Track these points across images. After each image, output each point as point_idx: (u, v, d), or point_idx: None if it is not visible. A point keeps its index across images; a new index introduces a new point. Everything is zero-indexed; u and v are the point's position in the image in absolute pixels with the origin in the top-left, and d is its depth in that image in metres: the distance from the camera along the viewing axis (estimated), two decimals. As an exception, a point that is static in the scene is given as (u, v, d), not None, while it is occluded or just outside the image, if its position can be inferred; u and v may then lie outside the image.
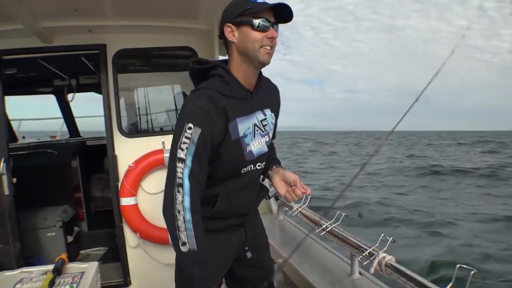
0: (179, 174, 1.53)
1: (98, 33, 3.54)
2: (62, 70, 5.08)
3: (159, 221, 3.34)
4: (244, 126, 1.67)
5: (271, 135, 1.84)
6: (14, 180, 3.33)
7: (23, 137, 6.53)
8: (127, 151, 3.53)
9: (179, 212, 1.52)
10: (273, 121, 1.84)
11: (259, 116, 1.75)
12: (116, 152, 3.52)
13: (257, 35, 1.57)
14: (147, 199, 3.51)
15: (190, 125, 1.53)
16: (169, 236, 1.56)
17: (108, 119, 3.52)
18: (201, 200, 1.62)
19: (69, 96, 5.79)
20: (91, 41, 3.54)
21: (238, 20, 1.59)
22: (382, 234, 2.07)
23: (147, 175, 3.50)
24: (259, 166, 1.80)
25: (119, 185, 3.48)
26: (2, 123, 3.35)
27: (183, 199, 1.52)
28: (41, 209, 4.30)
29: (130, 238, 3.49)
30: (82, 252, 4.74)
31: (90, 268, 2.66)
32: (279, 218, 3.73)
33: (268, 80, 1.88)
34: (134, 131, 3.82)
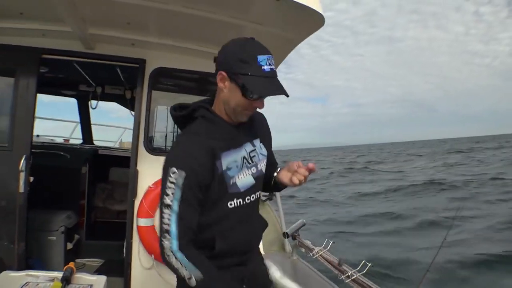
0: (165, 221, 1.57)
1: (140, 48, 3.57)
2: (91, 77, 5.12)
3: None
4: (230, 159, 1.67)
5: (260, 166, 1.80)
6: (31, 179, 3.29)
7: (37, 136, 6.52)
8: (149, 168, 3.49)
9: (169, 257, 1.56)
10: (263, 152, 1.82)
11: (248, 147, 1.75)
12: (138, 167, 3.48)
13: (244, 101, 1.59)
14: None
15: (174, 169, 1.54)
16: None
17: (136, 133, 3.50)
18: (200, 244, 1.64)
19: (93, 103, 5.82)
20: (132, 54, 3.57)
21: (233, 76, 1.56)
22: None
23: (166, 198, 3.43)
24: (248, 199, 1.75)
25: (136, 201, 3.42)
26: (31, 121, 3.34)
27: (171, 244, 1.55)
28: (46, 211, 4.23)
29: (144, 258, 3.40)
30: (78, 261, 4.63)
31: (99, 282, 2.61)
32: (293, 258, 3.65)
33: (256, 112, 1.81)
34: (160, 149, 3.79)
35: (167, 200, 1.57)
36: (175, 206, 1.55)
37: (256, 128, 1.83)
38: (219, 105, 1.69)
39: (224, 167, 1.65)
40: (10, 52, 3.33)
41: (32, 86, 3.33)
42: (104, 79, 5.22)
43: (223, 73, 1.59)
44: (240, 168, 1.71)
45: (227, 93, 1.61)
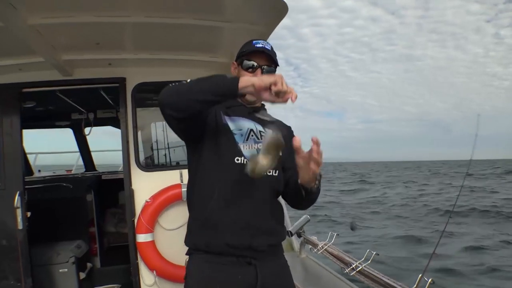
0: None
1: (118, 67, 3.55)
2: (80, 104, 5.10)
3: (177, 258, 3.24)
4: (237, 123, 1.84)
5: None
6: (29, 214, 3.27)
7: (39, 171, 6.53)
8: (145, 185, 3.46)
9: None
10: None
11: (258, 127, 1.87)
12: (133, 186, 3.45)
13: (245, 74, 1.81)
14: (164, 235, 3.41)
15: None
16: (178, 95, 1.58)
17: (126, 152, 3.47)
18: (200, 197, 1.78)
19: (86, 130, 5.80)
20: (111, 74, 3.55)
21: (238, 60, 1.90)
22: (420, 275, 1.93)
23: (164, 210, 3.41)
24: None
25: (135, 220, 3.37)
26: (19, 157, 3.33)
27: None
28: (54, 244, 4.20)
29: (146, 275, 3.37)
30: None
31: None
32: (301, 256, 3.57)
33: (281, 121, 2.02)
34: (152, 165, 3.75)
35: None
36: None
37: (274, 124, 1.84)
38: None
39: (232, 127, 1.82)
40: None
41: (16, 122, 3.32)
42: (92, 104, 5.19)
43: (234, 62, 1.95)
44: (246, 139, 1.82)
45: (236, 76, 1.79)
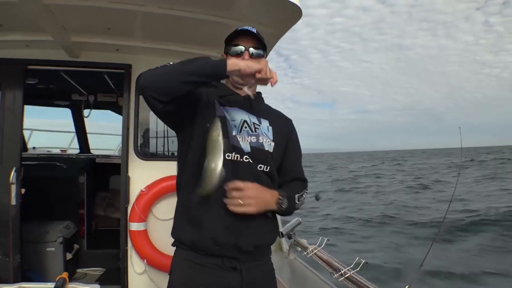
0: None
1: (125, 53, 3.56)
2: (82, 85, 5.10)
3: (168, 248, 3.25)
4: (230, 114, 1.80)
5: (262, 140, 1.81)
6: (23, 190, 3.28)
7: (33, 148, 6.51)
8: (141, 174, 3.48)
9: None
10: (269, 135, 1.85)
11: (252, 118, 1.83)
12: (130, 173, 3.46)
13: (233, 59, 1.70)
14: (157, 225, 3.43)
15: None
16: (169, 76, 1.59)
17: (126, 139, 3.49)
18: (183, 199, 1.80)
19: (85, 112, 5.79)
20: (117, 60, 3.55)
21: (226, 49, 1.89)
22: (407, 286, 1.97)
23: (159, 200, 3.43)
24: (246, 159, 1.75)
25: (129, 207, 3.39)
26: (19, 133, 3.33)
27: None
28: (43, 222, 4.21)
29: (136, 263, 3.38)
30: (79, 271, 4.61)
31: (92, 291, 2.57)
32: (290, 258, 3.60)
33: (280, 112, 2.04)
34: (150, 154, 3.76)
35: None
36: None
37: (269, 115, 1.92)
38: (226, 81, 1.92)
39: (228, 116, 1.78)
40: None
41: (18, 98, 3.31)
42: (94, 87, 5.19)
43: (223, 54, 1.89)
44: (239, 130, 1.77)
45: None
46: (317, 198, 3.52)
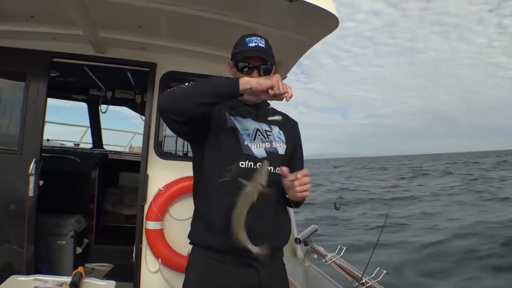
0: None
1: (150, 51, 3.56)
2: (102, 81, 5.12)
3: (184, 249, 3.26)
4: (240, 125, 1.85)
5: (275, 145, 1.89)
6: (41, 182, 3.28)
7: (47, 140, 6.53)
8: (160, 173, 3.47)
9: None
10: (281, 137, 1.94)
11: (263, 126, 1.90)
12: (148, 172, 3.46)
13: (241, 76, 1.76)
14: (173, 225, 3.41)
15: None
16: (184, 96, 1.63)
17: (147, 137, 3.48)
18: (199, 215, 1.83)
19: (103, 107, 5.81)
20: (143, 58, 3.56)
21: (233, 60, 1.90)
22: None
23: (176, 200, 3.41)
24: (260, 166, 1.76)
25: (146, 206, 3.39)
26: (40, 124, 3.34)
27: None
28: (55, 215, 4.21)
29: (150, 262, 3.37)
30: (87, 265, 4.60)
31: (108, 287, 2.56)
32: (304, 264, 3.58)
33: (286, 115, 2.06)
34: (169, 154, 3.76)
35: None
36: None
37: (281, 122, 1.93)
38: None
39: (239, 127, 1.84)
40: (21, 55, 3.33)
41: (42, 90, 3.33)
42: (114, 83, 5.21)
43: (230, 61, 1.94)
44: (253, 138, 1.83)
45: (234, 76, 1.85)
46: (336, 207, 3.51)
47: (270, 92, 1.63)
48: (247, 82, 1.61)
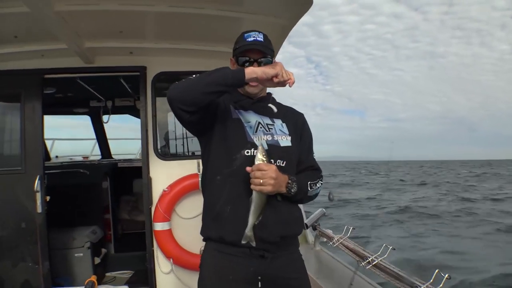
0: None
1: (139, 55, 3.57)
2: (99, 91, 5.15)
3: (193, 247, 3.28)
4: (245, 117, 1.90)
5: (277, 138, 1.90)
6: (48, 198, 3.33)
7: (56, 156, 6.61)
8: (162, 174, 3.50)
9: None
10: (284, 130, 1.95)
11: (265, 120, 1.93)
12: (151, 175, 3.48)
13: (250, 67, 1.79)
14: (181, 224, 3.44)
15: None
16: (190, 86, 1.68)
17: (145, 141, 3.51)
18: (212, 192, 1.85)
19: (104, 117, 5.85)
20: (132, 63, 3.57)
21: (234, 56, 1.94)
22: (437, 270, 1.93)
23: (181, 199, 3.43)
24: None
25: (153, 208, 3.42)
26: (40, 142, 3.38)
27: None
28: (70, 229, 4.27)
29: (163, 263, 3.40)
30: (108, 274, 4.66)
31: (121, 293, 2.59)
32: (316, 249, 3.57)
33: (292, 108, 2.11)
34: (170, 154, 3.78)
35: None
36: None
37: (281, 113, 2.00)
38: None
39: (243, 119, 1.88)
40: (13, 76, 3.38)
41: (38, 107, 3.37)
42: (111, 92, 5.24)
43: (231, 58, 1.97)
44: (255, 130, 1.86)
45: None
46: (330, 198, 3.48)
47: (275, 80, 1.69)
48: (252, 71, 1.68)
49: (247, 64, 1.85)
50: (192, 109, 1.69)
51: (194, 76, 1.70)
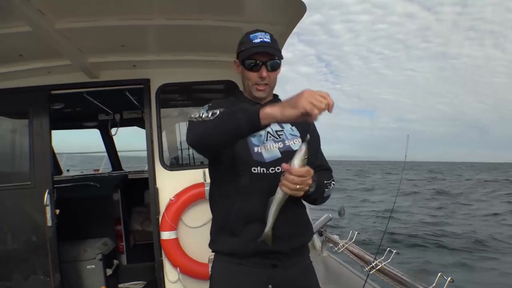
0: (195, 115, 1.69)
1: (142, 68, 3.63)
2: (106, 105, 5.23)
3: (200, 255, 3.30)
4: None
5: (289, 143, 1.83)
6: (57, 211, 3.39)
7: (68, 170, 6.71)
8: (169, 184, 3.54)
9: (198, 115, 1.66)
10: (294, 133, 1.88)
11: (274, 127, 1.84)
12: (158, 185, 3.53)
13: (250, 74, 1.81)
14: (188, 233, 3.47)
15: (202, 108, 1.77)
16: (207, 132, 1.61)
17: (151, 152, 3.56)
18: (219, 213, 1.83)
19: (113, 130, 5.93)
20: (136, 76, 3.63)
21: (239, 58, 1.85)
22: (440, 274, 1.91)
23: (188, 208, 3.47)
24: (272, 170, 1.75)
25: (160, 218, 3.46)
26: (48, 156, 3.45)
27: (200, 112, 1.67)
28: (81, 241, 4.33)
29: (170, 272, 3.44)
30: (120, 286, 4.70)
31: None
32: (323, 255, 3.56)
33: None
34: (176, 164, 3.82)
35: (196, 114, 1.70)
36: (203, 109, 1.71)
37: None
38: (244, 90, 1.95)
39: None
40: (20, 94, 3.47)
41: (45, 123, 3.45)
42: (118, 105, 5.31)
43: (236, 60, 1.91)
44: (265, 140, 1.80)
45: (242, 76, 1.87)
46: (340, 213, 3.46)
47: (310, 120, 1.42)
48: (270, 116, 1.44)
49: (253, 66, 1.77)
50: (212, 152, 1.77)
51: (210, 115, 1.58)
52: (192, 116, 1.71)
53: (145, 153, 3.65)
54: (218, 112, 1.58)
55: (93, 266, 4.24)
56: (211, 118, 1.58)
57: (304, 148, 1.54)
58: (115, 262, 4.70)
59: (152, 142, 3.59)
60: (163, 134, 3.71)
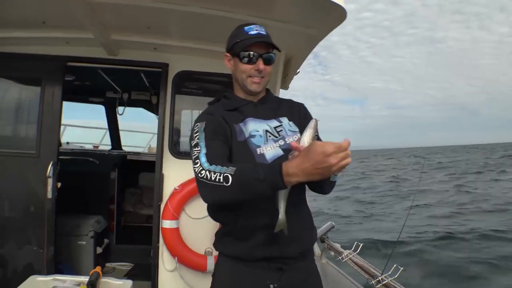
0: (195, 154, 1.64)
1: (162, 52, 3.59)
2: (117, 83, 5.19)
3: (199, 247, 3.28)
4: (251, 128, 1.78)
5: (289, 140, 1.80)
6: (59, 184, 3.35)
7: (67, 143, 6.66)
8: (175, 172, 3.51)
9: (201, 173, 1.53)
10: (292, 129, 1.86)
11: (272, 123, 1.84)
12: (164, 171, 3.49)
13: (244, 67, 1.77)
14: (189, 223, 3.43)
15: (197, 123, 1.74)
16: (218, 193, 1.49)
17: (161, 137, 3.52)
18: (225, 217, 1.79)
19: (119, 109, 5.89)
20: (155, 59, 3.59)
21: (231, 52, 1.82)
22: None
23: (191, 199, 3.43)
24: None
25: (162, 205, 3.43)
26: (57, 128, 3.41)
27: (201, 162, 1.56)
28: (75, 216, 4.30)
29: (167, 260, 3.41)
30: (108, 265, 4.69)
31: (125, 286, 2.60)
32: (322, 262, 3.56)
33: (291, 100, 2.04)
34: (185, 153, 3.81)
35: (194, 142, 1.68)
36: (202, 142, 1.65)
37: (284, 109, 1.93)
38: (235, 86, 1.91)
39: (247, 135, 1.76)
40: (36, 61, 3.41)
41: (57, 93, 3.40)
42: (129, 85, 5.28)
43: (227, 54, 1.86)
44: (266, 141, 1.77)
45: (233, 69, 1.85)
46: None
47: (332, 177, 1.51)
48: (294, 175, 1.36)
49: (252, 58, 1.74)
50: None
51: (229, 176, 1.43)
52: (192, 155, 1.65)
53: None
54: (230, 177, 1.43)
55: (84, 242, 4.22)
56: (225, 183, 1.44)
57: (315, 122, 1.51)
58: (106, 241, 4.67)
59: (163, 127, 3.56)
60: (175, 120, 3.66)
